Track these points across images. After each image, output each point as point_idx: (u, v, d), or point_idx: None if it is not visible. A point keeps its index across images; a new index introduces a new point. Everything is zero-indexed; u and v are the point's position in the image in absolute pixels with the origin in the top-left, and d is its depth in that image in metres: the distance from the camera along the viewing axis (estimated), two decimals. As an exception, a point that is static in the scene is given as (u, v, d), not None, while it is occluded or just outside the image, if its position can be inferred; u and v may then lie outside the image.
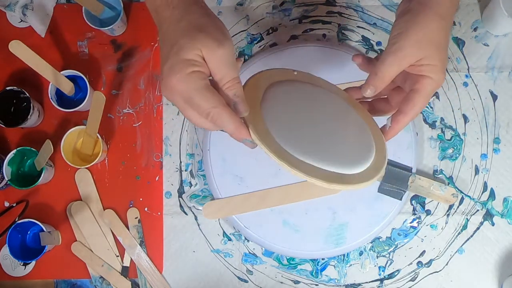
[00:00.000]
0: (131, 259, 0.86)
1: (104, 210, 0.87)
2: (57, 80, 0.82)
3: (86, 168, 0.87)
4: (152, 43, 0.90)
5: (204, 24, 0.54)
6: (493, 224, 0.85)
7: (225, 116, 0.54)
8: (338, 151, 0.61)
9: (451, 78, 0.88)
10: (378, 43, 0.89)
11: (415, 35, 0.56)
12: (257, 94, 0.61)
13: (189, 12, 0.54)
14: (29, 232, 0.86)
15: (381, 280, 0.85)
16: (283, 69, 0.65)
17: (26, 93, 0.84)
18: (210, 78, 0.55)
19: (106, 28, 0.85)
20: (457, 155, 0.87)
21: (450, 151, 0.87)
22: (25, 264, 0.86)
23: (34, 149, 0.84)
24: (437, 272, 0.85)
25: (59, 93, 0.86)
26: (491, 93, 0.87)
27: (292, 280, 0.86)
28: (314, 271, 0.85)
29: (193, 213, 0.87)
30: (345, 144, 0.62)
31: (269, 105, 0.60)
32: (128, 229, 0.87)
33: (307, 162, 0.58)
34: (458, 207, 0.86)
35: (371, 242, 0.85)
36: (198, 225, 0.87)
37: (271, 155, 0.56)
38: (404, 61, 0.57)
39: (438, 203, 0.85)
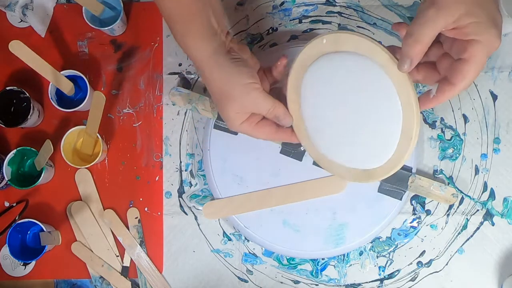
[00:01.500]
0: (131, 259, 0.86)
1: (104, 210, 0.87)
2: (57, 80, 0.82)
3: (86, 168, 0.87)
4: (152, 43, 0.90)
5: (227, 84, 0.65)
6: (493, 224, 0.85)
7: (276, 139, 0.73)
8: (366, 145, 0.68)
9: (451, 78, 0.88)
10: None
11: None
12: (297, 88, 0.71)
13: (214, 74, 0.65)
14: (29, 232, 0.86)
15: (381, 280, 0.85)
16: (313, 43, 0.65)
17: (26, 93, 0.84)
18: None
19: (106, 28, 0.85)
20: (457, 155, 0.87)
21: (450, 151, 0.87)
22: (25, 264, 0.86)
23: (34, 149, 0.84)
24: (437, 272, 0.85)
25: (59, 93, 0.86)
26: (491, 93, 0.87)
27: (292, 280, 0.86)
28: (314, 271, 0.85)
29: (193, 213, 0.87)
30: (373, 135, 0.66)
31: (305, 101, 0.70)
32: (128, 229, 0.87)
33: (338, 163, 0.72)
34: (458, 207, 0.86)
35: (371, 242, 0.85)
36: (198, 225, 0.87)
37: (315, 159, 0.75)
38: (438, 18, 0.48)
39: (438, 203, 0.85)
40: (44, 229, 0.83)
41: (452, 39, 0.52)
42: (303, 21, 0.90)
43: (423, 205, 0.86)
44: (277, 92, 0.72)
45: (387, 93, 0.60)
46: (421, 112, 0.86)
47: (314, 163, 0.82)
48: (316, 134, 0.73)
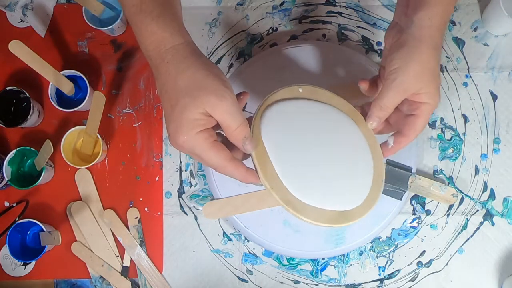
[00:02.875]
0: (131, 259, 0.86)
1: (104, 210, 0.87)
2: (57, 80, 0.83)
3: (86, 168, 0.87)
4: (152, 43, 0.90)
5: (202, 80, 0.55)
6: (493, 224, 0.85)
7: (230, 170, 0.59)
8: (340, 186, 0.64)
9: (451, 78, 0.88)
10: (378, 43, 0.89)
11: (414, 70, 0.60)
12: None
13: (185, 68, 0.55)
14: (29, 232, 0.86)
15: (381, 280, 0.85)
16: (289, 88, 0.66)
17: (26, 93, 0.84)
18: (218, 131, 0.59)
19: (106, 28, 0.85)
20: (457, 155, 0.87)
21: (450, 151, 0.87)
22: (25, 264, 0.86)
23: (34, 149, 0.84)
24: (437, 272, 0.85)
25: (59, 93, 0.86)
26: (491, 93, 0.87)
27: (292, 280, 0.86)
28: (314, 271, 0.85)
29: (193, 213, 0.87)
30: (347, 176, 0.65)
31: (272, 135, 0.62)
32: (128, 229, 0.87)
33: (311, 205, 0.62)
34: (458, 207, 0.86)
35: (371, 242, 0.85)
36: (198, 225, 0.87)
37: (280, 203, 0.61)
38: (405, 94, 0.61)
39: (438, 203, 0.85)
40: (44, 229, 0.83)
41: (405, 99, 0.63)
42: (303, 21, 0.90)
43: (423, 205, 0.86)
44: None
45: (356, 138, 0.67)
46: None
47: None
48: (283, 171, 0.62)
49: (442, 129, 0.87)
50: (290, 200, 0.62)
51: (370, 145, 0.68)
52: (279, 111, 0.64)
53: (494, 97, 0.87)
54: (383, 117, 0.65)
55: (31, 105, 0.83)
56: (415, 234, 0.85)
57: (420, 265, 0.85)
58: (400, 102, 0.63)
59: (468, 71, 0.88)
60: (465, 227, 0.85)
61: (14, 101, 0.85)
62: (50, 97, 0.83)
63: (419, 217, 0.86)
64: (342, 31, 0.89)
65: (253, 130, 0.61)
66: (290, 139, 0.63)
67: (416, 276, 0.85)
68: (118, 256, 0.86)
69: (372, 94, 0.69)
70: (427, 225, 0.85)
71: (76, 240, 0.87)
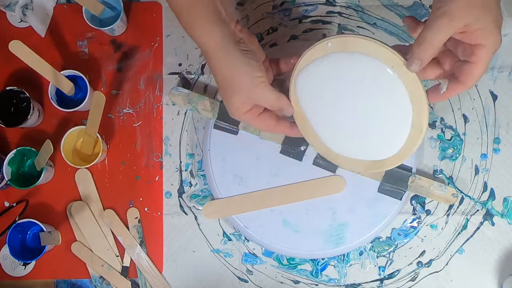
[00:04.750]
0: (131, 259, 0.86)
1: (104, 210, 0.87)
2: (57, 80, 0.82)
3: (86, 168, 0.87)
4: (152, 43, 0.90)
5: (233, 81, 0.65)
6: (493, 224, 0.85)
7: (276, 131, 0.72)
8: (373, 138, 0.69)
9: (451, 78, 0.88)
10: (378, 43, 0.89)
11: None
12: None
13: (218, 70, 0.65)
14: (29, 232, 0.86)
15: (381, 280, 0.85)
16: (317, 46, 0.66)
17: (26, 93, 0.84)
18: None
19: (106, 28, 0.85)
20: (457, 155, 0.87)
21: (450, 151, 0.87)
22: (25, 264, 0.86)
23: (34, 149, 0.84)
24: (437, 272, 0.85)
25: (59, 93, 0.86)
26: (491, 93, 0.87)
27: (292, 280, 0.86)
28: (314, 271, 0.85)
29: (193, 213, 0.87)
30: (381, 128, 0.68)
31: (307, 97, 0.71)
32: (128, 229, 0.87)
33: (346, 156, 0.74)
34: (458, 207, 0.86)
35: (371, 242, 0.85)
36: (198, 225, 0.87)
37: (320, 152, 0.76)
38: (451, 26, 0.53)
39: (438, 203, 0.85)
40: (44, 229, 0.83)
41: (457, 40, 0.56)
42: (303, 21, 0.90)
43: (423, 205, 0.86)
44: (280, 83, 0.73)
45: (396, 89, 0.63)
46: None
47: (315, 163, 0.82)
48: (320, 128, 0.73)
49: (442, 129, 0.87)
50: (325, 152, 0.75)
51: (411, 93, 0.62)
52: (310, 73, 0.68)
53: (494, 97, 0.87)
54: (426, 58, 0.56)
55: (31, 105, 0.83)
56: (415, 234, 0.85)
57: (420, 265, 0.85)
58: (454, 44, 0.56)
59: (468, 71, 0.88)
60: (465, 227, 0.85)
61: (14, 101, 0.85)
62: (50, 97, 0.83)
63: (419, 217, 0.86)
64: (342, 31, 0.89)
65: (290, 94, 0.71)
66: (324, 98, 0.69)
67: (416, 276, 0.85)
68: (118, 256, 0.86)
69: (416, 34, 0.60)
70: (427, 225, 0.85)
71: (76, 240, 0.87)
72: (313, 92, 0.70)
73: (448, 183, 0.86)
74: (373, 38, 0.62)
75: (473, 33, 0.53)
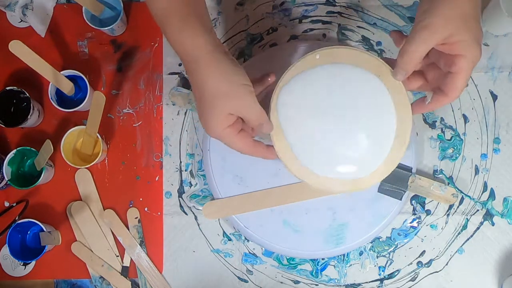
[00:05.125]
0: (131, 259, 0.86)
1: (104, 210, 0.87)
2: (57, 80, 0.82)
3: (86, 168, 0.87)
4: (152, 43, 0.90)
5: (221, 90, 0.62)
6: (493, 224, 0.85)
7: (252, 153, 0.68)
8: (354, 155, 0.67)
9: (451, 78, 0.88)
10: (378, 43, 0.89)
11: (443, 11, 0.55)
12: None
13: (205, 79, 0.62)
14: (29, 232, 0.86)
15: (381, 280, 0.85)
16: (304, 59, 0.66)
17: (26, 93, 0.84)
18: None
19: (106, 28, 0.85)
20: (457, 155, 0.87)
21: (450, 151, 0.87)
22: (25, 264, 0.86)
23: (34, 149, 0.84)
24: (437, 272, 0.85)
25: (59, 93, 0.86)
26: (491, 93, 0.87)
27: (292, 280, 0.86)
28: (314, 271, 0.85)
29: (193, 213, 0.87)
30: (362, 143, 0.66)
31: (288, 113, 0.68)
32: (128, 229, 0.87)
33: (323, 176, 0.68)
34: (458, 207, 0.86)
35: (371, 242, 0.85)
36: (198, 225, 0.87)
37: (295, 174, 0.69)
38: (432, 39, 0.56)
39: (438, 203, 0.85)
40: (44, 229, 0.83)
41: (439, 52, 0.59)
42: (303, 21, 0.90)
43: (423, 205, 0.86)
44: (260, 100, 0.70)
45: (382, 98, 0.65)
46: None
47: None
48: (298, 146, 0.68)
49: (442, 129, 0.87)
50: (304, 172, 0.69)
51: (396, 103, 0.64)
52: (295, 86, 0.67)
53: (494, 97, 0.87)
54: (409, 68, 0.60)
55: (31, 105, 0.83)
56: (415, 234, 0.85)
57: (420, 265, 0.85)
58: (437, 56, 0.59)
59: (468, 71, 0.88)
60: (465, 227, 0.85)
61: (14, 101, 0.85)
62: (50, 97, 0.83)
63: (419, 217, 0.86)
64: (342, 31, 0.89)
65: (270, 111, 0.68)
66: (305, 113, 0.67)
67: (416, 276, 0.85)
68: (118, 256, 0.86)
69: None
70: (427, 225, 0.85)
71: (76, 240, 0.87)
72: (295, 106, 0.67)
73: (448, 183, 0.86)
74: (359, 49, 0.65)
75: (453, 45, 0.56)
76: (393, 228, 0.85)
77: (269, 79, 0.70)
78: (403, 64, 0.60)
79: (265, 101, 0.69)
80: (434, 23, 0.56)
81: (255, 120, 0.65)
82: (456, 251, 0.85)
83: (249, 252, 0.86)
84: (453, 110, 0.87)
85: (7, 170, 0.83)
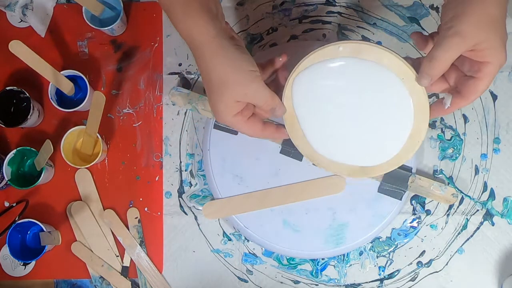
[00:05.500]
0: (131, 259, 0.86)
1: (104, 210, 0.87)
2: (57, 80, 0.83)
3: (86, 168, 0.87)
4: (152, 43, 0.90)
5: (229, 76, 0.62)
6: (493, 224, 0.85)
7: (263, 136, 0.70)
8: (365, 144, 0.70)
9: (451, 78, 0.88)
10: (378, 43, 0.89)
11: (473, 17, 0.53)
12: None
13: (212, 67, 0.62)
14: (29, 232, 0.86)
15: (381, 280, 0.85)
16: (326, 48, 0.66)
17: (26, 93, 0.84)
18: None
19: (106, 28, 0.85)
20: (457, 155, 0.87)
21: (450, 151, 0.87)
22: (25, 264, 0.86)
23: (34, 149, 0.84)
24: (437, 272, 0.85)
25: (59, 93, 0.86)
26: (491, 93, 0.87)
27: (292, 280, 0.86)
28: (314, 271, 0.85)
29: (193, 213, 0.87)
30: (375, 135, 0.68)
31: (302, 99, 0.69)
32: (128, 229, 0.87)
33: (333, 160, 0.73)
34: (458, 207, 0.86)
35: (371, 242, 0.85)
36: (198, 225, 0.87)
37: (307, 158, 0.74)
38: (462, 46, 0.55)
39: (438, 203, 0.85)
40: (44, 229, 0.83)
41: (464, 56, 0.57)
42: (303, 21, 0.90)
43: (423, 205, 0.86)
44: (271, 84, 0.72)
45: (402, 99, 0.66)
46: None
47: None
48: (311, 131, 0.72)
49: (442, 129, 0.87)
50: (314, 156, 0.73)
51: (415, 104, 0.64)
52: (314, 74, 0.67)
53: (494, 97, 0.87)
54: (436, 74, 0.58)
55: (31, 105, 0.83)
56: (415, 234, 0.85)
57: (420, 265, 0.85)
58: (461, 60, 0.58)
59: (468, 71, 0.88)
60: (465, 227, 0.85)
61: (14, 101, 0.85)
62: (50, 97, 0.83)
63: (419, 217, 0.86)
64: (342, 31, 0.89)
65: (284, 94, 0.69)
66: (322, 100, 0.69)
67: (416, 276, 0.85)
68: (118, 256, 0.86)
69: (426, 49, 0.62)
70: (427, 225, 0.85)
71: (76, 240, 0.87)
72: (311, 92, 0.69)
73: (448, 183, 0.86)
74: (387, 48, 0.64)
75: (481, 52, 0.55)
76: (393, 228, 0.85)
77: (280, 59, 0.70)
78: (429, 69, 0.58)
79: (275, 82, 0.71)
80: (464, 30, 0.54)
81: (264, 105, 0.66)
82: (456, 251, 0.85)
83: (249, 252, 0.86)
84: (453, 110, 0.87)
85: (7, 170, 0.83)
